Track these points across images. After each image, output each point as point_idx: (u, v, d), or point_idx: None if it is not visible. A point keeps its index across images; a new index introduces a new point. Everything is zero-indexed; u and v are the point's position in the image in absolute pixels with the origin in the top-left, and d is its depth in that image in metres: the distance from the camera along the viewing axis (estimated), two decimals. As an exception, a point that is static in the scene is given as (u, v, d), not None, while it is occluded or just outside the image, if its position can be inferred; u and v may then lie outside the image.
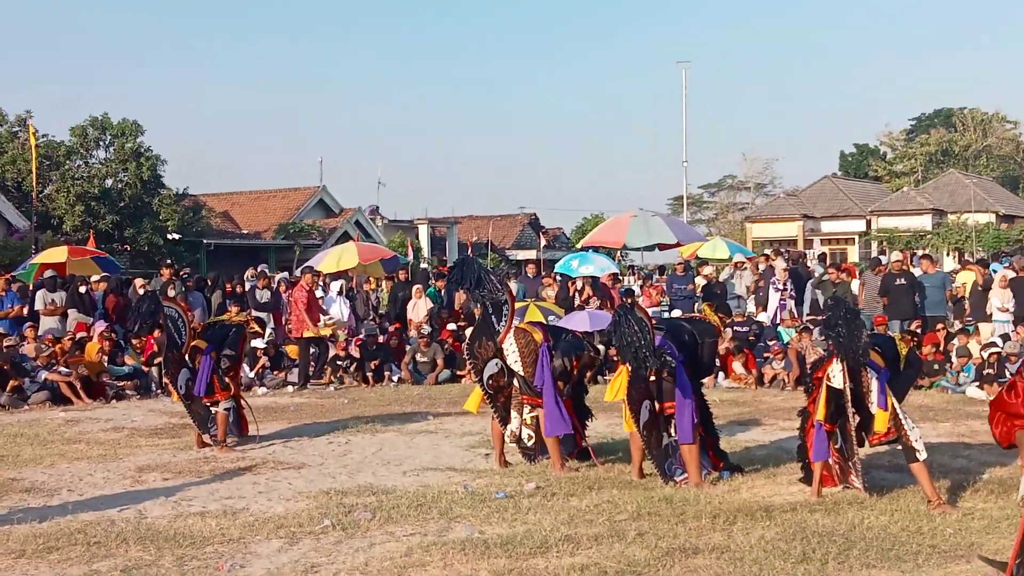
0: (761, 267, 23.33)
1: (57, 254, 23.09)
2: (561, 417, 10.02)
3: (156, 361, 17.59)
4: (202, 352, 11.99)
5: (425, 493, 9.07)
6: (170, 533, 7.73)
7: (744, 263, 23.86)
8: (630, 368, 9.19)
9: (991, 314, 19.59)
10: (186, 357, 12.13)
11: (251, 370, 18.19)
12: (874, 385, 8.44)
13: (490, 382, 10.28)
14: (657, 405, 9.38)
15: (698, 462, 9.34)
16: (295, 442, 12.38)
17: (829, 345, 8.63)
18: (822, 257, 29.26)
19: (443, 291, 22.95)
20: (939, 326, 19.17)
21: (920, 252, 40.15)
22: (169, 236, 36.31)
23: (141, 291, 20.01)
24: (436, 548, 7.17)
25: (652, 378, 9.21)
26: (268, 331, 20.17)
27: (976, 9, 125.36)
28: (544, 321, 10.92)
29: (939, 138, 76.30)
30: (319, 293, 22.78)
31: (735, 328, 18.99)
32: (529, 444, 10.48)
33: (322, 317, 19.81)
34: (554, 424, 10.02)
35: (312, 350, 18.98)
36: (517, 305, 10.86)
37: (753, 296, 22.50)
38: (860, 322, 8.51)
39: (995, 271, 21.11)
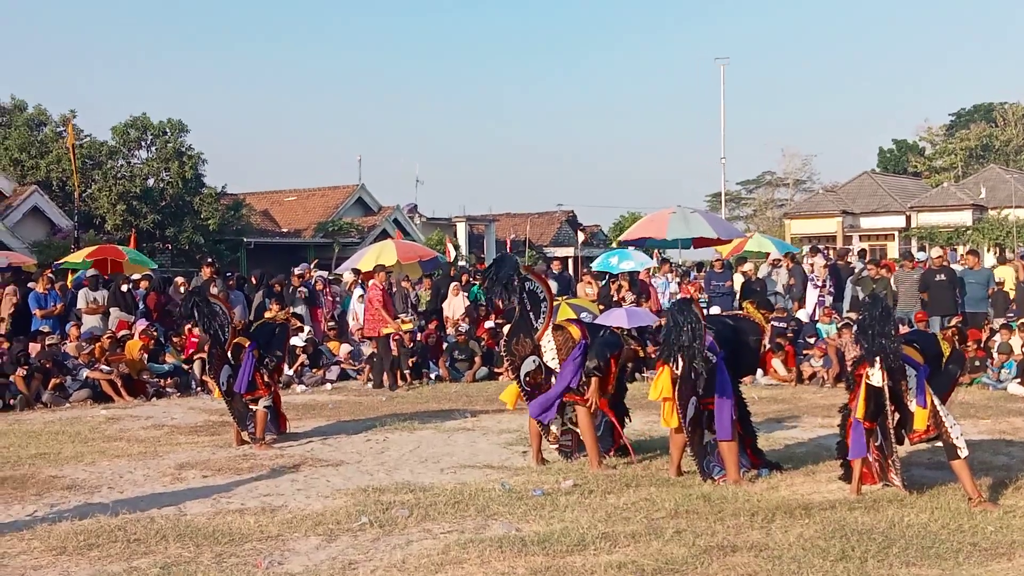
0: (790, 266, 23.23)
1: (76, 257, 23.30)
2: (550, 406, 10.00)
3: (196, 358, 17.73)
4: (244, 349, 12.07)
5: (462, 491, 9.07)
6: (209, 530, 7.77)
7: (779, 260, 23.78)
8: (682, 365, 9.15)
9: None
10: (228, 354, 12.21)
11: (290, 368, 18.27)
12: (913, 383, 8.37)
13: (527, 379, 10.27)
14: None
15: (736, 459, 9.30)
16: (333, 439, 12.43)
17: (865, 348, 8.54)
18: (862, 253, 29.06)
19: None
20: (986, 323, 19.03)
21: (962, 248, 39.90)
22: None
23: (182, 290, 20.22)
24: (473, 546, 7.17)
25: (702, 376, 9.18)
26: (307, 329, 20.26)
27: (1016, 1, 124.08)
28: (577, 318, 10.87)
29: (979, 133, 75.58)
30: (358, 291, 22.89)
31: (774, 324, 18.87)
32: (568, 441, 10.49)
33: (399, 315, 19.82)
34: (540, 407, 10.02)
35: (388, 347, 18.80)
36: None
37: (788, 294, 22.41)
38: (893, 322, 8.43)
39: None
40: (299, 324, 18.47)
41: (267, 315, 13.32)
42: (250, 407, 12.10)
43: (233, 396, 12.11)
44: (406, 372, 19.13)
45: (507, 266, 10.50)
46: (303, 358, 19.12)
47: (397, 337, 19.62)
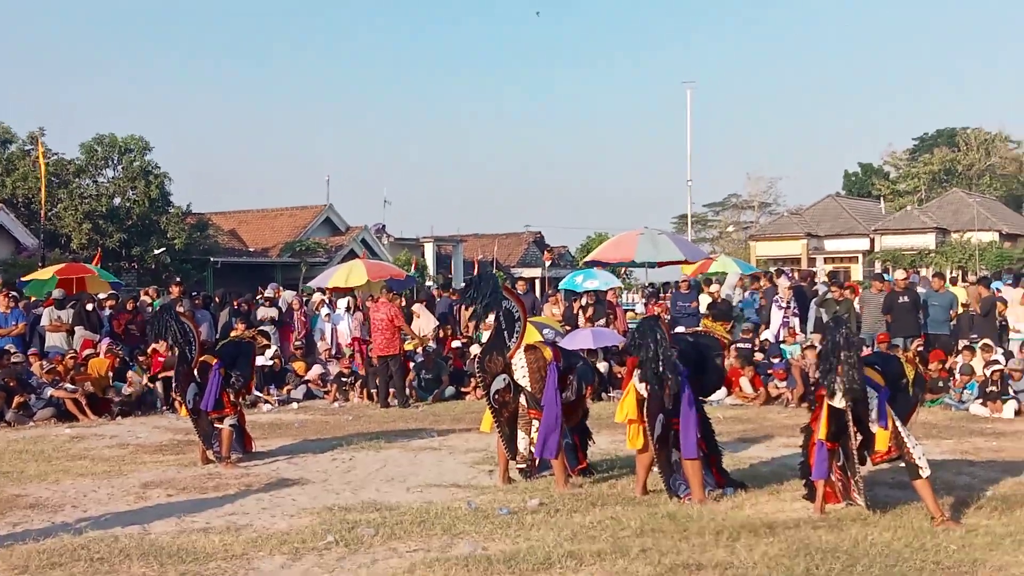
0: (766, 286, 23.34)
1: (44, 273, 23.07)
2: (556, 438, 10.01)
3: (161, 376, 17.62)
4: (211, 367, 12.03)
5: (428, 509, 9.07)
6: (174, 549, 7.74)
7: (758, 278, 23.91)
8: (649, 382, 9.19)
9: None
10: (195, 372, 12.16)
11: (258, 388, 18.19)
12: (873, 404, 8.43)
13: (496, 396, 10.29)
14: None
15: (701, 477, 9.33)
16: (299, 458, 12.39)
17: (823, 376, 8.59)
18: (833, 275, 29.25)
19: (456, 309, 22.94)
20: (961, 345, 19.17)
21: (925, 271, 40.27)
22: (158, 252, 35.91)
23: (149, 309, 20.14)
24: (439, 564, 7.17)
25: (668, 393, 9.22)
26: (273, 348, 20.21)
27: (980, 29, 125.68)
28: (540, 336, 10.92)
29: (942, 157, 76.35)
30: (325, 311, 22.85)
31: (738, 346, 18.97)
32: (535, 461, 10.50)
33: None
34: (548, 447, 10.02)
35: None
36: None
37: (758, 315, 22.51)
38: (856, 348, 8.45)
39: (997, 288, 21.16)
40: (265, 342, 18.41)
41: (233, 334, 13.27)
42: (215, 425, 12.06)
43: (199, 414, 12.07)
44: (372, 391, 19.12)
45: (490, 283, 10.53)
46: (273, 395, 19.04)
47: (366, 357, 19.63)
